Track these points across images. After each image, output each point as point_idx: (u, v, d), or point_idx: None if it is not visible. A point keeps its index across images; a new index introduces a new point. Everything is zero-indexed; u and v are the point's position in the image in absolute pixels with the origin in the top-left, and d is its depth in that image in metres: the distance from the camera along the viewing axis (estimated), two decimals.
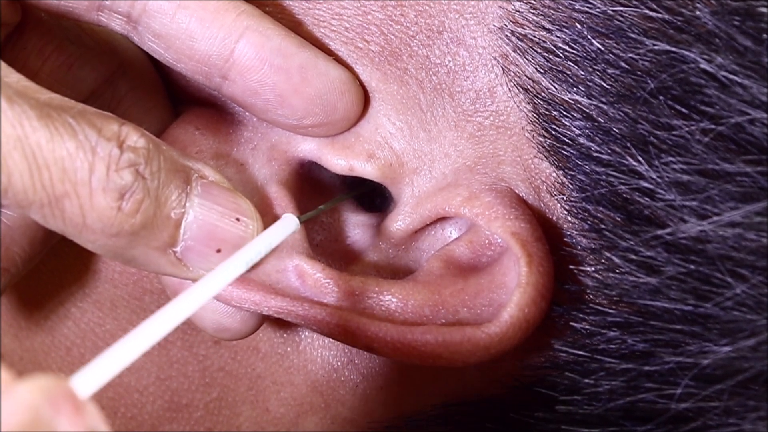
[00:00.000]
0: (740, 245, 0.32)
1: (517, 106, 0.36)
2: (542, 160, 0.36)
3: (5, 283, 0.37)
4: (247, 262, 0.33)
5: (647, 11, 0.33)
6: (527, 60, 0.35)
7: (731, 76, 0.31)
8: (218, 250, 0.34)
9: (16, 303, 0.42)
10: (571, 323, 0.36)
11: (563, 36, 0.34)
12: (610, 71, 0.34)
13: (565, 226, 0.36)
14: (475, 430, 0.39)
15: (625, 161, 0.34)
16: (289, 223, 0.36)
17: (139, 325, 0.29)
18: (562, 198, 0.36)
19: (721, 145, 0.32)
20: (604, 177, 0.34)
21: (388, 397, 0.39)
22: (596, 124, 0.34)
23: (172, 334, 0.41)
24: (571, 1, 0.34)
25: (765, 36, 0.31)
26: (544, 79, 0.35)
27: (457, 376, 0.39)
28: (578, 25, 0.34)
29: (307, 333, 0.40)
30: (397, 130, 0.37)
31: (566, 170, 0.35)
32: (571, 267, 0.36)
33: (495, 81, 0.36)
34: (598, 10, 0.34)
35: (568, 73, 0.34)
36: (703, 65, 0.32)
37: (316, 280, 0.36)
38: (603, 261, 0.35)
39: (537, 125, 0.35)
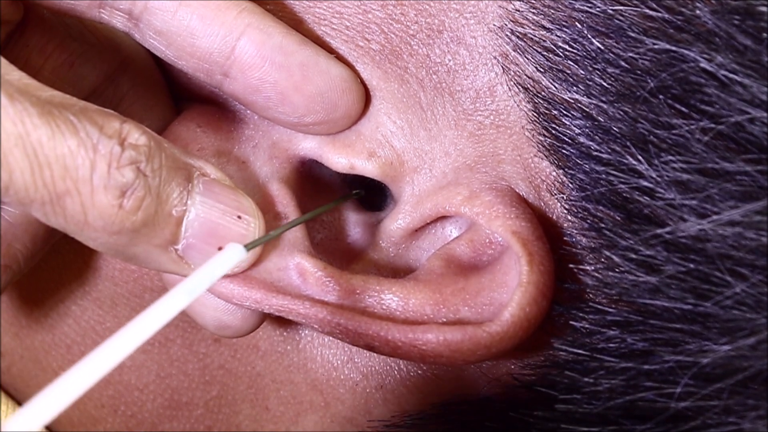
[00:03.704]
0: (740, 244, 0.32)
1: (517, 105, 0.36)
2: (542, 159, 0.36)
3: (7, 280, 0.37)
4: (189, 292, 0.32)
5: (647, 10, 0.33)
6: (527, 59, 0.35)
7: (731, 75, 0.32)
8: (220, 248, 0.34)
9: (16, 301, 0.42)
10: (571, 322, 0.36)
11: (563, 35, 0.34)
12: (610, 70, 0.34)
13: (565, 224, 0.36)
14: (475, 429, 0.39)
15: (624, 160, 0.34)
16: (234, 253, 0.34)
17: (65, 372, 0.28)
18: (562, 197, 0.36)
19: (720, 144, 0.32)
20: (603, 176, 0.34)
21: (388, 396, 0.39)
22: (596, 123, 0.34)
23: (172, 332, 0.41)
24: (571, 1, 0.34)
25: (765, 35, 0.31)
26: (544, 78, 0.35)
27: (457, 374, 0.39)
28: (578, 25, 0.34)
29: (307, 331, 0.40)
30: (397, 128, 0.37)
31: (566, 169, 0.35)
32: (571, 266, 0.36)
33: (495, 80, 0.36)
34: (598, 9, 0.34)
35: (568, 72, 0.34)
36: (703, 64, 0.32)
37: (317, 279, 0.36)
38: (603, 260, 0.35)
39: (537, 124, 0.35)
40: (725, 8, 0.32)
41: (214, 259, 0.33)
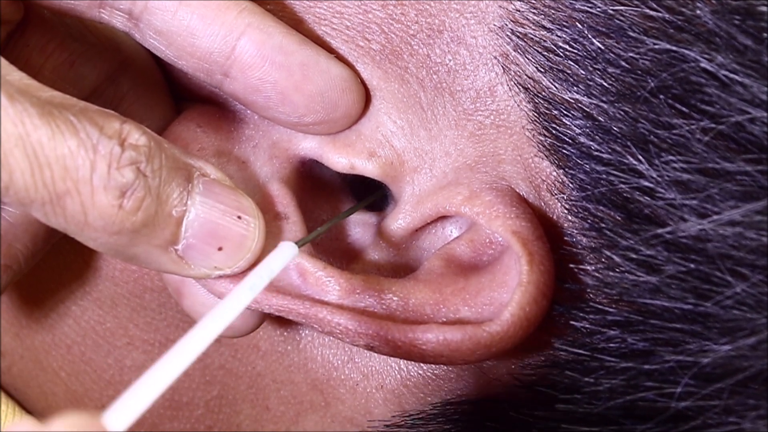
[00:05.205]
0: (740, 244, 0.32)
1: (518, 105, 0.36)
2: (542, 158, 0.36)
3: (7, 280, 0.37)
4: (251, 288, 0.33)
5: (648, 10, 0.33)
6: (528, 59, 0.35)
7: (731, 75, 0.32)
8: (220, 248, 0.34)
9: (16, 301, 0.42)
10: (572, 322, 0.36)
11: (564, 35, 0.34)
12: (610, 70, 0.34)
13: (566, 224, 0.36)
14: (475, 429, 0.39)
15: (625, 160, 0.34)
16: (287, 250, 0.35)
17: (156, 362, 0.30)
18: (563, 197, 0.36)
19: (721, 144, 0.32)
20: (604, 176, 0.34)
21: (388, 396, 0.39)
22: (596, 123, 0.34)
23: (173, 333, 0.41)
24: (571, 1, 0.34)
25: (765, 35, 0.31)
26: (545, 78, 0.35)
27: (458, 374, 0.39)
28: (578, 25, 0.34)
29: (307, 331, 0.40)
30: (398, 128, 0.37)
31: (566, 169, 0.35)
32: (572, 266, 0.36)
33: (495, 80, 0.36)
34: (598, 9, 0.34)
35: (569, 72, 0.34)
36: (704, 64, 0.32)
37: (317, 278, 0.36)
38: (603, 260, 0.35)
39: (537, 124, 0.35)
40: (726, 8, 0.32)
41: (270, 257, 0.34)
